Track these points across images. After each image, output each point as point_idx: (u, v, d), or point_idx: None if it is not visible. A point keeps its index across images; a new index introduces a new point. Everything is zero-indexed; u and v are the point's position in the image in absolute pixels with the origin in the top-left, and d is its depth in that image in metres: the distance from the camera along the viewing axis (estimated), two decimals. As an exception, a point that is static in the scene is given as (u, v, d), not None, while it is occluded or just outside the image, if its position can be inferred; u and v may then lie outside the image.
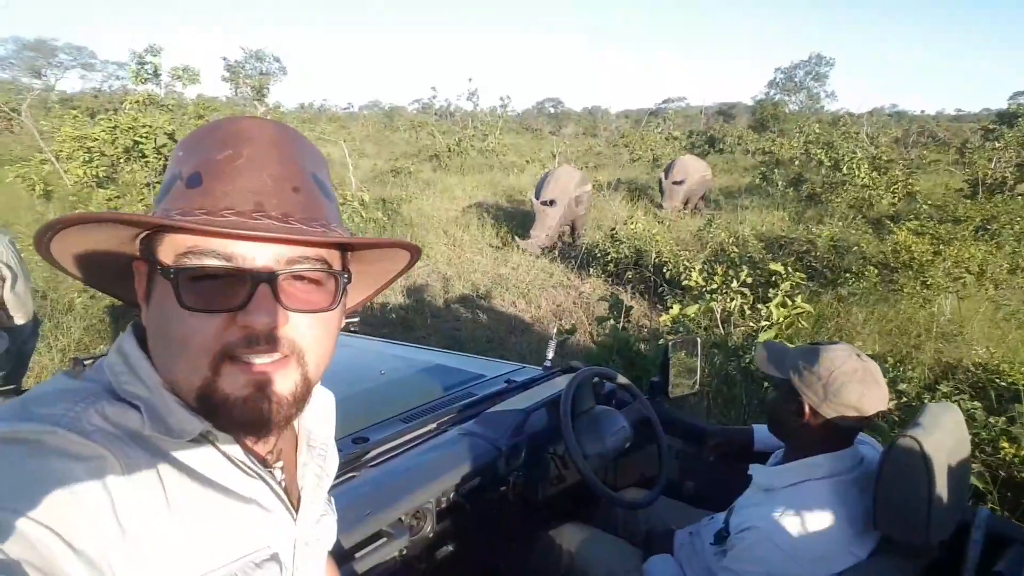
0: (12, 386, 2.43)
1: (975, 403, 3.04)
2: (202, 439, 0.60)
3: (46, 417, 0.52)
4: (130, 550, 0.51)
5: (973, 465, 2.71)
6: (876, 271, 5.66)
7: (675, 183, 10.60)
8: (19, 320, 2.60)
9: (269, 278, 0.56)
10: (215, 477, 0.60)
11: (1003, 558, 1.28)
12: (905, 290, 5.39)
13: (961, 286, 5.37)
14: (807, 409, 1.35)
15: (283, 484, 0.68)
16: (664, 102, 48.38)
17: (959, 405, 3.01)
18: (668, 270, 6.34)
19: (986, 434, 2.85)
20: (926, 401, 3.19)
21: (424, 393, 2.01)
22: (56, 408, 0.54)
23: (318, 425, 0.77)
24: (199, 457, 0.59)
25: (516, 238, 8.63)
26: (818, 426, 1.34)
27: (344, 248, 0.65)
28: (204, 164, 0.57)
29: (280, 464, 0.69)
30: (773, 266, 4.19)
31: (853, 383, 1.29)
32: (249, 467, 0.63)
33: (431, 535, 1.49)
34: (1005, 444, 2.74)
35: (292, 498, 0.70)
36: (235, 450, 0.62)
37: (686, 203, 10.93)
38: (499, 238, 9.18)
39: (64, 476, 0.49)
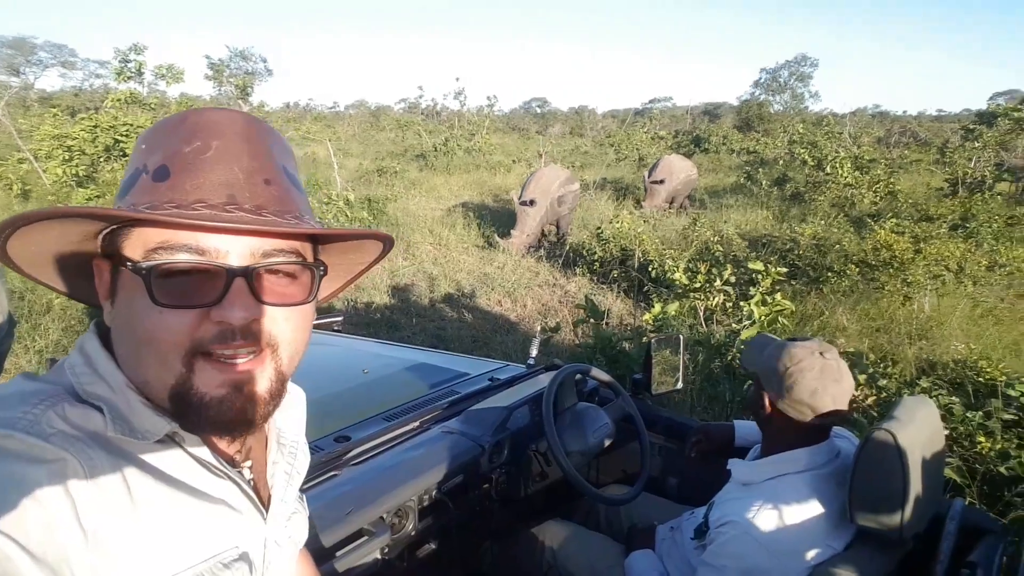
0: (-13, 387, 2.39)
1: (953, 398, 3.08)
2: (168, 440, 0.58)
3: (3, 421, 0.51)
4: (93, 554, 0.50)
5: (951, 459, 2.74)
6: (857, 269, 5.72)
7: (655, 182, 10.66)
8: None
9: (244, 272, 0.55)
10: (182, 477, 0.59)
11: (976, 549, 1.30)
12: (886, 288, 5.46)
13: (940, 284, 5.45)
14: (767, 402, 1.38)
15: (252, 483, 0.67)
16: (651, 102, 48.71)
17: (938, 399, 3.05)
18: (654, 269, 6.37)
19: (964, 428, 2.88)
20: (907, 395, 3.23)
21: (407, 391, 2.01)
22: (14, 411, 0.52)
23: (288, 423, 0.76)
24: (165, 458, 0.58)
25: (498, 237, 8.62)
26: (783, 420, 1.37)
27: (316, 240, 0.64)
28: (171, 157, 0.56)
29: (249, 463, 0.68)
30: (753, 264, 4.22)
31: (806, 380, 1.31)
32: (216, 467, 0.62)
33: (413, 533, 1.48)
34: (982, 438, 2.78)
35: (262, 497, 0.69)
36: (202, 450, 0.61)
37: (671, 202, 10.99)
38: (484, 238, 9.17)
39: (22, 480, 0.48)
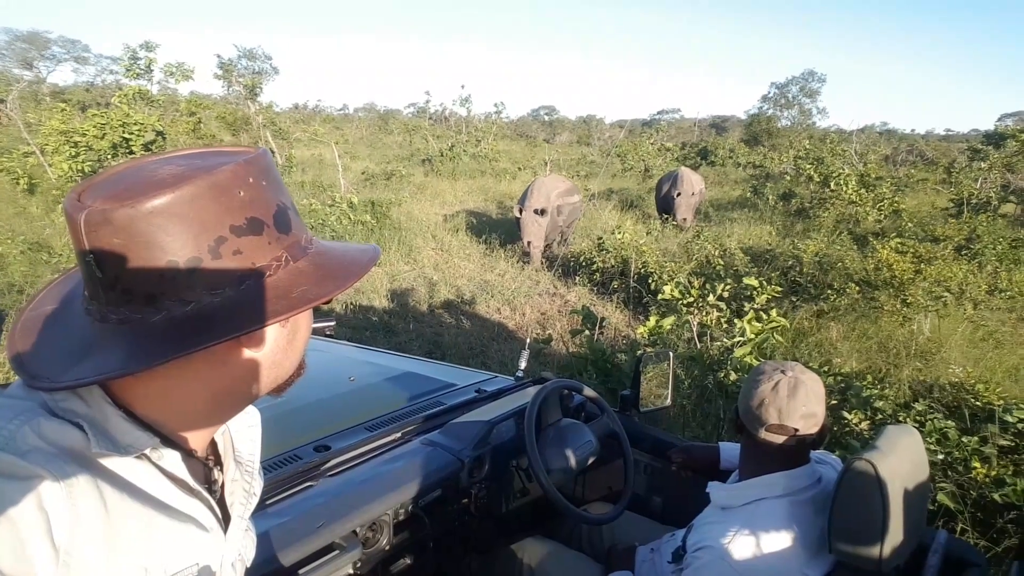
0: (-26, 384, 2.38)
1: (948, 422, 3.04)
2: (144, 457, 0.59)
3: None
4: (62, 571, 0.50)
5: (944, 485, 2.71)
6: (858, 288, 5.69)
7: (692, 195, 10.47)
8: None
9: None
10: (157, 494, 0.59)
11: None
12: (885, 308, 5.42)
13: (941, 305, 5.41)
14: (738, 420, 1.40)
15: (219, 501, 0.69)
16: (659, 113, 48.84)
17: (933, 423, 3.01)
18: (653, 281, 6.35)
19: (959, 453, 2.85)
20: (902, 419, 3.19)
21: (392, 401, 1.99)
22: None
23: (244, 443, 0.76)
24: (142, 474, 0.58)
25: (525, 257, 8.47)
26: (752, 439, 1.36)
27: None
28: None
29: (218, 479, 0.70)
30: (748, 280, 4.19)
31: (756, 392, 1.33)
32: (191, 486, 0.62)
33: (387, 548, 1.46)
34: (977, 464, 2.74)
35: (224, 515, 0.70)
36: (178, 467, 0.61)
37: (674, 215, 10.93)
38: (487, 244, 9.15)
39: None
